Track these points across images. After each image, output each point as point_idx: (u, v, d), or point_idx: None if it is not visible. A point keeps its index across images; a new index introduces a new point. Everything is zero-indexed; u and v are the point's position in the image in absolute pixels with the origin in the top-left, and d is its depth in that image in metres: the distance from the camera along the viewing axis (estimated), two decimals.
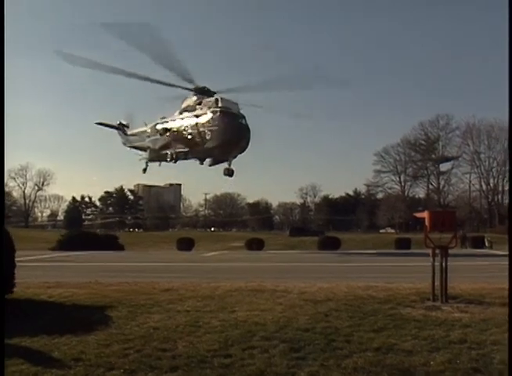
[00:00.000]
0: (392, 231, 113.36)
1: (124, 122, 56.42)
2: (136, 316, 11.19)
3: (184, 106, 44.72)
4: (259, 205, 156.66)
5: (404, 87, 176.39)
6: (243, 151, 41.63)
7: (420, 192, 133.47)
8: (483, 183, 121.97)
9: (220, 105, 40.51)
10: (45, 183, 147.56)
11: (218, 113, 40.15)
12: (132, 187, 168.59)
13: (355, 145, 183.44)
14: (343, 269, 28.74)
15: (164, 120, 46.94)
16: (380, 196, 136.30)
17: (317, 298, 13.67)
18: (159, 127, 46.75)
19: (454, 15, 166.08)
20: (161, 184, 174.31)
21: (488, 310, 11.93)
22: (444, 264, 13.17)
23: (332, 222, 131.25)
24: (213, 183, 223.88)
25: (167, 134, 45.16)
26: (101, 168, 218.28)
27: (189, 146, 43.18)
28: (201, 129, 41.11)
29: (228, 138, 39.81)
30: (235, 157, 42.23)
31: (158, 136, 46.69)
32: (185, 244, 60.20)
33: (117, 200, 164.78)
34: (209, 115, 40.80)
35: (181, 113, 44.79)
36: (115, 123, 57.17)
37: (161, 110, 48.05)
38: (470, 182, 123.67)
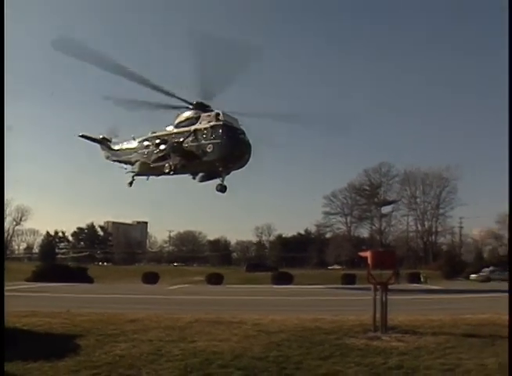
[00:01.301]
0: (339, 268, 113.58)
1: (106, 137, 51.97)
2: (104, 345, 11.05)
3: (180, 120, 41.83)
4: (219, 243, 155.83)
5: (352, 137, 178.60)
6: (243, 166, 39.27)
7: (364, 232, 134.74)
8: (419, 225, 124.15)
9: (221, 118, 38.23)
10: (22, 218, 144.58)
11: (221, 127, 37.89)
12: (102, 224, 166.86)
13: (307, 188, 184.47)
14: (294, 302, 28.70)
15: (158, 133, 43.50)
16: (328, 235, 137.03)
17: (270, 329, 13.66)
18: (154, 140, 43.22)
19: (391, 69, 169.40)
20: (129, 222, 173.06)
21: (421, 339, 12.11)
22: (384, 298, 13.33)
23: (285, 258, 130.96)
24: (177, 221, 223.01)
25: (164, 146, 41.64)
26: (75, 205, 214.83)
27: (188, 159, 39.84)
28: (202, 142, 38.52)
29: (231, 151, 37.49)
30: (228, 173, 40.00)
31: (152, 149, 43.02)
32: (151, 278, 59.44)
33: (88, 235, 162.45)
34: (210, 128, 38.35)
35: (176, 127, 41.90)
36: (98, 137, 52.30)
37: (147, 125, 45.91)
38: (408, 223, 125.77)
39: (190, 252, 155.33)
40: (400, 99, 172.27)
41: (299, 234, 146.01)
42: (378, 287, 13.53)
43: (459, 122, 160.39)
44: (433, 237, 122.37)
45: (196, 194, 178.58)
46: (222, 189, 40.04)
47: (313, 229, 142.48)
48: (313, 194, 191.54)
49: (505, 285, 49.19)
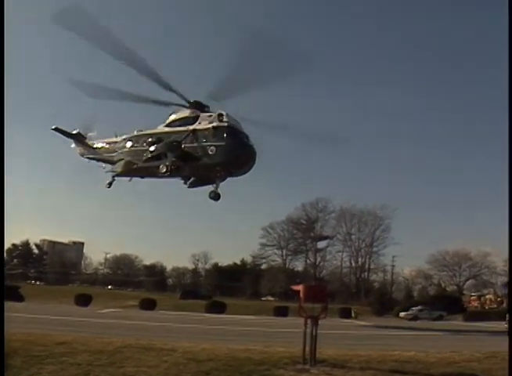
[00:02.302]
0: (272, 299, 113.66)
1: (81, 132, 46.52)
2: (30, 366, 10.76)
3: (174, 118, 38.32)
4: (155, 268, 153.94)
5: (291, 171, 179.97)
6: (245, 173, 36.23)
7: (299, 265, 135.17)
8: (353, 261, 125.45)
9: (225, 120, 34.98)
10: None
11: (225, 129, 34.59)
12: (38, 241, 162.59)
13: (245, 219, 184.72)
14: (226, 332, 28.57)
15: (150, 131, 39.48)
16: (264, 266, 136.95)
17: (200, 357, 13.54)
18: (145, 138, 39.16)
19: (328, 106, 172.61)
20: (65, 241, 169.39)
21: (349, 374, 12.24)
22: (314, 332, 13.41)
23: (220, 287, 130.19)
24: (114, 243, 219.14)
25: (158, 145, 37.55)
26: (9, 220, 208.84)
27: (185, 160, 36.05)
28: (203, 144, 35.04)
29: (236, 155, 34.15)
30: (223, 180, 36.79)
31: (142, 147, 38.75)
32: (83, 300, 58.27)
33: (22, 252, 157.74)
34: (213, 129, 34.92)
35: (168, 125, 38.47)
36: (72, 131, 46.76)
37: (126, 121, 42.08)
38: (342, 259, 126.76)
39: (125, 276, 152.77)
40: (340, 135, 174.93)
41: (235, 264, 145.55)
42: (309, 320, 13.63)
43: (395, 163, 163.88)
44: (366, 274, 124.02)
45: (135, 218, 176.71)
46: (216, 196, 36.59)
47: (249, 259, 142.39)
48: (251, 225, 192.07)
49: (432, 324, 50.46)
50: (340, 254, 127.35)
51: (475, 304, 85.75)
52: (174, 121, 38.31)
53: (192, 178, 39.24)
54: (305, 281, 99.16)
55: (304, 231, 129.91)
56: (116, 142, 42.68)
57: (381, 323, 50.59)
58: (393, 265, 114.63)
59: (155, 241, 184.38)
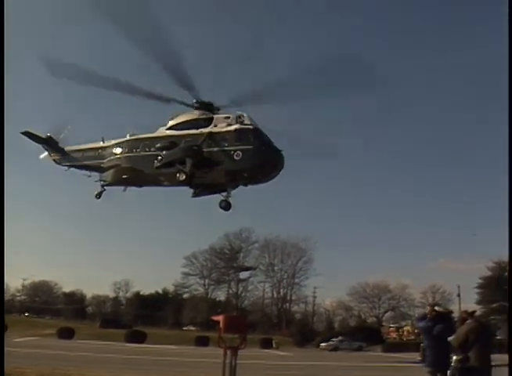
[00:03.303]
0: (194, 329, 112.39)
1: (53, 136, 39.40)
2: None
3: (180, 120, 33.81)
4: (74, 295, 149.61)
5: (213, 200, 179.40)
6: (270, 179, 31.94)
7: (221, 295, 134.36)
8: (275, 292, 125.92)
9: (247, 122, 31.07)
10: None
11: (251, 132, 30.70)
12: None
13: (166, 248, 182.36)
14: (145, 361, 28.18)
15: (156, 134, 34.27)
16: (186, 296, 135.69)
17: None
18: (151, 142, 34.13)
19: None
20: None
21: None
22: (234, 362, 13.49)
23: (141, 316, 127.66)
24: (33, 269, 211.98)
25: (174, 150, 32.56)
26: None
27: (203, 166, 31.61)
28: (226, 148, 31.08)
29: (265, 160, 30.26)
30: (234, 188, 32.52)
31: (146, 152, 33.69)
32: None
33: None
34: (235, 132, 31.09)
35: (173, 128, 33.88)
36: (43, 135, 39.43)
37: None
38: (264, 290, 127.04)
39: (43, 303, 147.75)
40: None
41: (157, 292, 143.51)
42: (228, 350, 13.69)
43: (316, 195, 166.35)
44: (287, 305, 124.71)
45: (54, 243, 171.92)
46: (227, 206, 32.07)
47: (171, 288, 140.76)
48: (175, 254, 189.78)
49: (352, 355, 51.27)
50: (262, 284, 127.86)
51: (394, 335, 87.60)
52: (180, 123, 33.70)
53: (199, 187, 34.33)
54: (227, 311, 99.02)
55: (227, 261, 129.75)
56: (103, 147, 37.08)
57: (302, 353, 50.96)
58: (314, 297, 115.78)
59: (75, 268, 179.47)
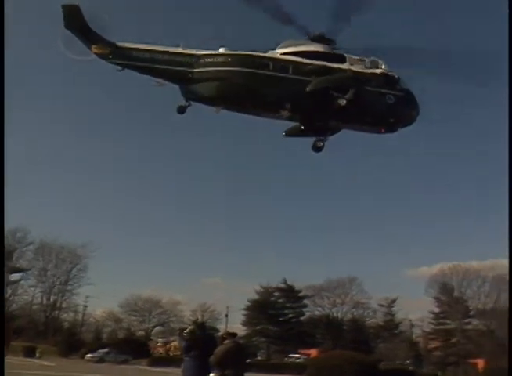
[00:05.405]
0: None
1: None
2: None
3: (305, 49, 29.18)
4: None
5: None
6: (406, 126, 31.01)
7: None
8: (45, 298, 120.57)
9: (385, 69, 29.23)
10: None
11: (397, 79, 29.30)
12: None
13: None
14: None
15: (288, 57, 28.75)
16: None
17: None
18: (285, 64, 28.54)
19: None
20: None
21: None
22: None
23: None
24: None
25: (336, 77, 28.72)
26: None
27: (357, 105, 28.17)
28: (376, 89, 28.97)
29: (413, 107, 29.79)
30: (336, 133, 30.59)
31: (282, 74, 28.31)
32: None
33: None
34: (383, 76, 29.09)
35: (295, 55, 28.86)
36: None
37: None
38: (34, 295, 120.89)
39: None
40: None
41: None
42: None
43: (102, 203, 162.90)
44: (56, 312, 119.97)
45: None
46: (321, 149, 29.81)
47: None
48: None
49: (117, 368, 51.19)
50: (33, 289, 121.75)
51: (161, 350, 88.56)
52: (303, 52, 29.10)
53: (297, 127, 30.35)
54: None
55: None
56: (192, 54, 28.60)
57: (65, 364, 49.86)
58: (85, 306, 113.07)
59: None
